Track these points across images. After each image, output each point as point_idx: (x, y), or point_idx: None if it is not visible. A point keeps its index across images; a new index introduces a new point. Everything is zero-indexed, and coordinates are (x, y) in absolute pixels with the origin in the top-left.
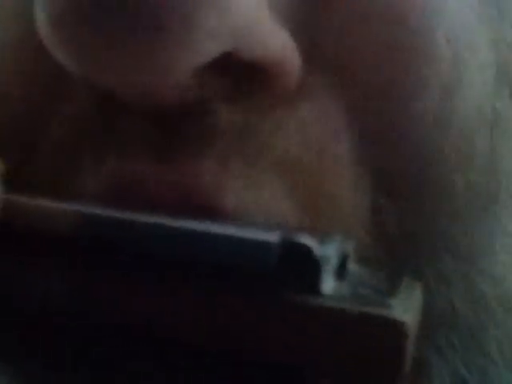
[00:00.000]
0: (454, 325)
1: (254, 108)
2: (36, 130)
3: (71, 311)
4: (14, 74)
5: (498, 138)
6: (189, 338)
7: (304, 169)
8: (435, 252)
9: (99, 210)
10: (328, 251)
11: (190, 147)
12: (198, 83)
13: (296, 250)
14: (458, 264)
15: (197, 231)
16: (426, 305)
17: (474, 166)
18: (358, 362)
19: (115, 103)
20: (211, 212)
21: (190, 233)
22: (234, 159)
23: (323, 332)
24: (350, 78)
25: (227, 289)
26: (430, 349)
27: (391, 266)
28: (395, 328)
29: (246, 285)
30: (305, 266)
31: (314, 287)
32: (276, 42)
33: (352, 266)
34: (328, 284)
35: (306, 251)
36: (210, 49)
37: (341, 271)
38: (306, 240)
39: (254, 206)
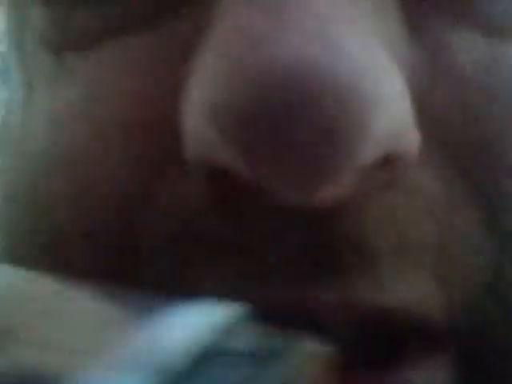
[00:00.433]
0: None
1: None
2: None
3: None
4: (118, 158)
5: None
6: None
7: (443, 251)
8: None
9: None
10: None
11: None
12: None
13: None
14: None
15: None
16: None
17: None
18: None
19: (247, 207)
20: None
21: None
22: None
23: None
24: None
25: None
26: None
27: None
28: None
29: None
30: None
31: None
32: (414, 137)
33: None
34: None
35: None
36: (374, 154)
37: None
38: None
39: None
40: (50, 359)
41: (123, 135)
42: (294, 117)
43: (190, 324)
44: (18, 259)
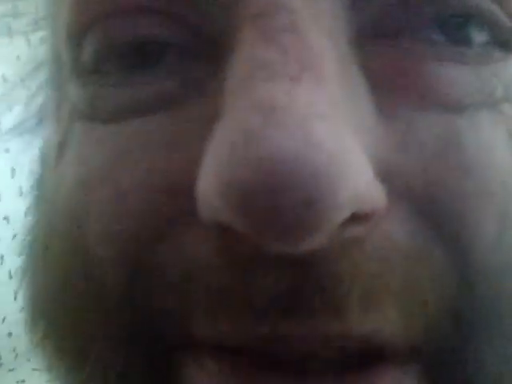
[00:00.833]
0: None
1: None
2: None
3: None
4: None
5: None
6: None
7: (407, 292)
8: None
9: None
10: None
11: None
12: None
13: None
14: None
15: None
16: None
17: None
18: None
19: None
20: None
21: None
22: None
23: None
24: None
25: None
26: None
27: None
28: None
29: None
30: None
31: None
32: (379, 198)
33: None
34: None
35: None
36: (342, 215)
37: None
38: None
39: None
40: None
41: (143, 198)
42: (279, 193)
43: None
44: (45, 311)
